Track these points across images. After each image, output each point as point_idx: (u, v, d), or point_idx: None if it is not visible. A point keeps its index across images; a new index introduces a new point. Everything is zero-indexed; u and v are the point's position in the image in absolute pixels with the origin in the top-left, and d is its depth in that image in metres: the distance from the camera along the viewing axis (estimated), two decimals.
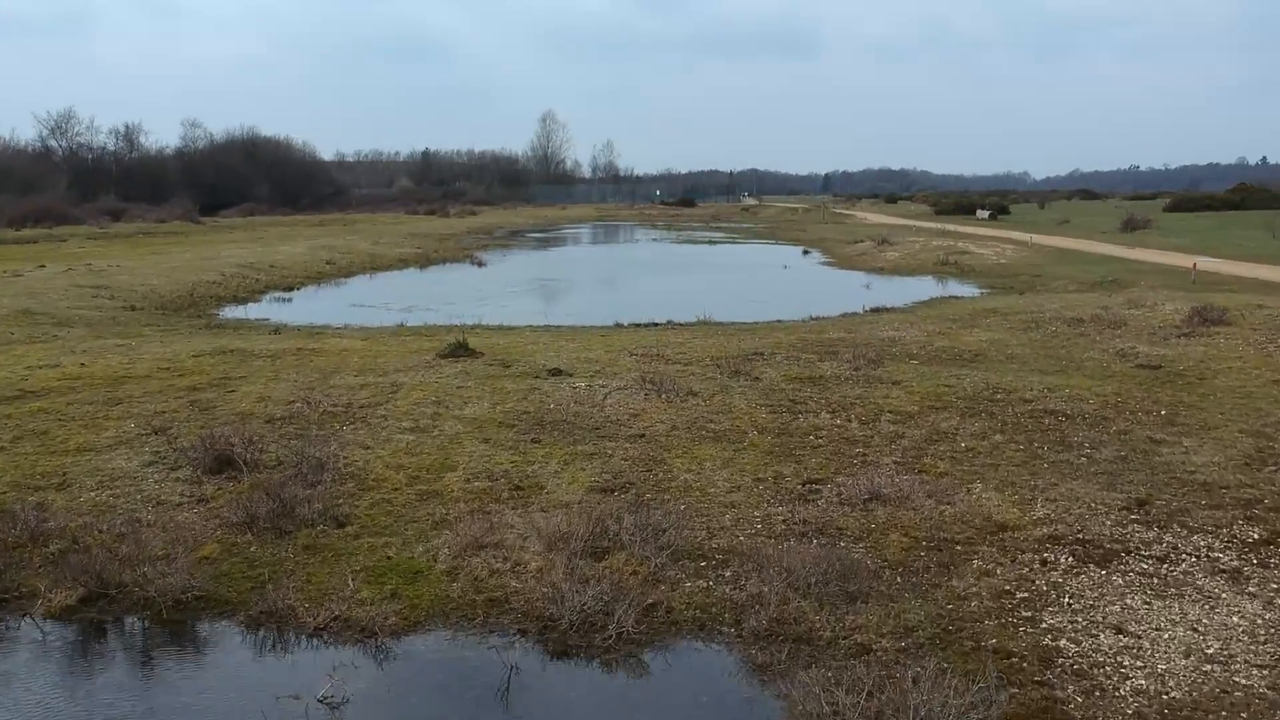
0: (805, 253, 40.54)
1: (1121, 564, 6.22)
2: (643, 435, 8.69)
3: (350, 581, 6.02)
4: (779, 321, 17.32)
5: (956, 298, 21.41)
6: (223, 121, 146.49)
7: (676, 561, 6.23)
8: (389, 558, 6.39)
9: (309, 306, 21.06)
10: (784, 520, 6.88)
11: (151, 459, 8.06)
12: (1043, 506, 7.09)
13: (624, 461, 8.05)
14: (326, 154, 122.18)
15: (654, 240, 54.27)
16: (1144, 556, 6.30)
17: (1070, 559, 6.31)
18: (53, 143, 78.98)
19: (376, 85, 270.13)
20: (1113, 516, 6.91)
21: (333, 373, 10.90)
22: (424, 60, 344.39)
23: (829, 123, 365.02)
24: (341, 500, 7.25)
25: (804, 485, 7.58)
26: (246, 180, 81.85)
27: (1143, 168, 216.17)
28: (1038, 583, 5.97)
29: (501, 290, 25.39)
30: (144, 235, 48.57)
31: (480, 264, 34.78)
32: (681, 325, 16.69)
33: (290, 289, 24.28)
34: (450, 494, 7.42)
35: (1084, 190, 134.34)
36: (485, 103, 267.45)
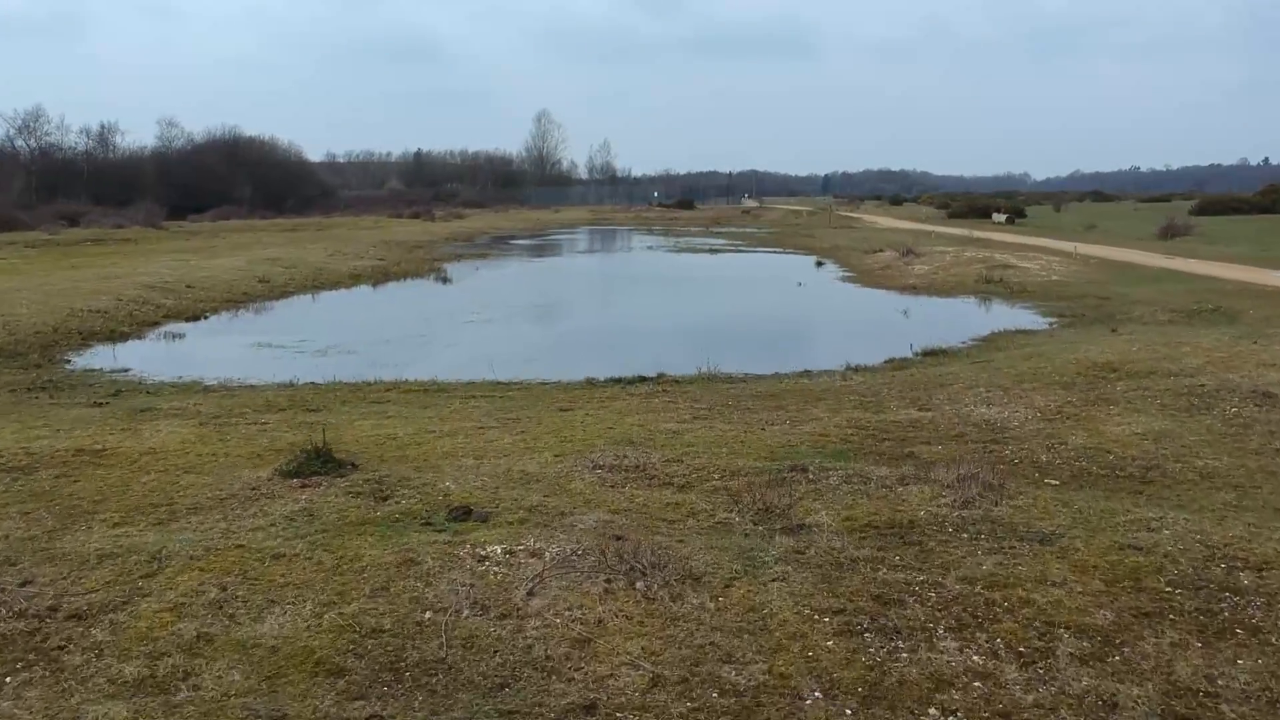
0: (819, 264, 36.13)
1: None
2: (592, 708, 4.32)
3: None
4: (807, 374, 12.94)
5: (1026, 333, 16.94)
6: (219, 122, 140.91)
7: None
8: None
9: (199, 347, 16.65)
10: None
11: None
12: None
13: None
14: (318, 155, 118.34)
15: (649, 249, 49.69)
16: None
17: None
18: (20, 142, 74.82)
19: (374, 86, 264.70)
20: None
21: (83, 514, 6.44)
22: (422, 61, 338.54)
23: (829, 123, 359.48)
24: None
25: None
26: (226, 182, 77.70)
27: (1143, 168, 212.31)
28: None
29: (457, 319, 20.90)
30: (92, 243, 44.29)
31: (446, 280, 30.24)
32: (677, 382, 12.31)
33: (197, 317, 19.68)
34: None
35: (1095, 191, 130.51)
36: (484, 104, 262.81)
